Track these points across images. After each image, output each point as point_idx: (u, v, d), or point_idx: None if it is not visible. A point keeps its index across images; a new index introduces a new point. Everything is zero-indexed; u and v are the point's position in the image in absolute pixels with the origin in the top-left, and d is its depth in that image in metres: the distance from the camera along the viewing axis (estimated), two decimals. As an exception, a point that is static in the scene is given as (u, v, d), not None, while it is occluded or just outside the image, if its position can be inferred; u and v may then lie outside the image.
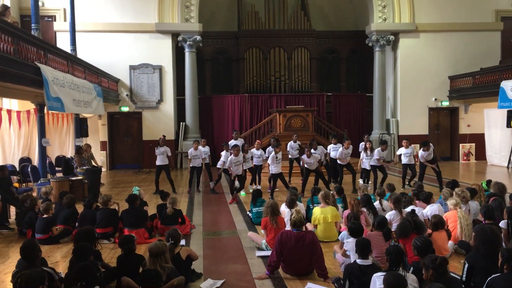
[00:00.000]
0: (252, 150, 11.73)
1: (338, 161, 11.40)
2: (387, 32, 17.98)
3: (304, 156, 10.57)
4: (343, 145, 11.34)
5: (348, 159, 11.45)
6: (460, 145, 18.40)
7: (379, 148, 11.17)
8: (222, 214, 9.18)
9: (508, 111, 14.69)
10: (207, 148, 12.11)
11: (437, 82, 18.20)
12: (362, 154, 11.38)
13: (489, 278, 4.00)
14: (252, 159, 11.50)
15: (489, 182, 8.27)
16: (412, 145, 11.78)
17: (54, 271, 4.55)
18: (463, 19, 18.11)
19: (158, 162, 11.53)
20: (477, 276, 4.32)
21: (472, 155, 18.32)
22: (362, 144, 11.85)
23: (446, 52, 18.17)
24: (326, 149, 11.93)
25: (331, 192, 7.82)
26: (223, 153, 11.40)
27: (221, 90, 19.61)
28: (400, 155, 11.67)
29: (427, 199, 7.19)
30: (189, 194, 11.42)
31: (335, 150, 11.53)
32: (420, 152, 11.11)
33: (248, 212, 8.74)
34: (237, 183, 10.69)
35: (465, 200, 6.94)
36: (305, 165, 10.58)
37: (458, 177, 12.75)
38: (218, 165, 11.32)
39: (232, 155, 10.25)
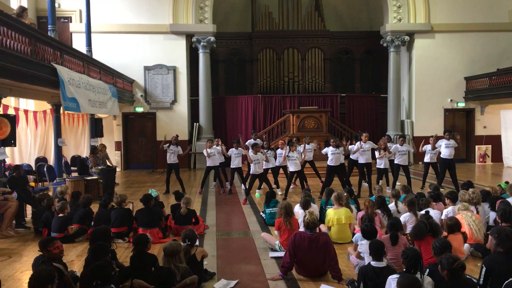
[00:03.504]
0: (277, 150, 11.68)
1: (355, 158, 10.88)
2: (402, 33, 17.82)
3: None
4: (360, 140, 10.86)
5: (368, 156, 10.86)
6: (476, 146, 18.18)
7: (397, 144, 11.10)
8: (235, 215, 9.19)
9: (525, 112, 14.49)
10: (217, 148, 12.07)
11: (452, 83, 18.01)
12: (376, 154, 11.14)
13: (506, 282, 3.94)
14: (275, 158, 11.50)
15: (507, 183, 8.14)
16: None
17: (65, 266, 4.57)
18: (479, 19, 17.88)
19: (169, 161, 11.66)
20: (494, 279, 4.26)
21: (488, 157, 18.08)
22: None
23: (462, 53, 17.98)
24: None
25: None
26: (231, 150, 11.46)
27: (234, 91, 19.65)
28: (425, 152, 11.42)
29: (455, 199, 7.03)
30: (202, 195, 11.44)
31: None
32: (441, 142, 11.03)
33: (261, 213, 8.74)
34: (243, 187, 10.65)
35: (474, 202, 6.85)
36: (328, 163, 10.43)
37: (474, 179, 12.58)
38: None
39: (251, 152, 10.40)
